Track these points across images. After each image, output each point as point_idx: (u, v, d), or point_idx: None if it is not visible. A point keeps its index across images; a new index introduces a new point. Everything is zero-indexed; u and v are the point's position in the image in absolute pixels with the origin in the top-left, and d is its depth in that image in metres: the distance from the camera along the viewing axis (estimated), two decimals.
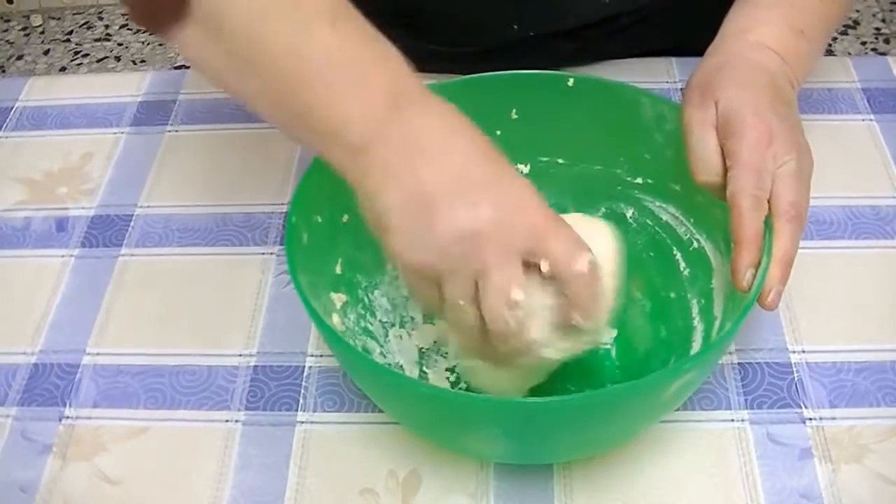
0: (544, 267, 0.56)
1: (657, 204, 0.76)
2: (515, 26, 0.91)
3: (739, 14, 0.73)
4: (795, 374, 0.72)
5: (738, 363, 0.73)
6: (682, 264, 0.75)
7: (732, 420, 0.70)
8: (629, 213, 0.78)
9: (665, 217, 0.76)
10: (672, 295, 0.74)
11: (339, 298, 0.70)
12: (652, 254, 0.76)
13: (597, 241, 0.61)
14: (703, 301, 0.72)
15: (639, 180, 0.77)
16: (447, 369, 0.72)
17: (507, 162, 0.58)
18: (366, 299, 0.74)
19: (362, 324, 0.72)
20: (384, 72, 0.58)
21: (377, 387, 0.64)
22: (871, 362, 0.72)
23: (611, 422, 0.62)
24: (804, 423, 0.69)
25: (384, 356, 0.72)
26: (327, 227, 0.70)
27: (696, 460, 0.68)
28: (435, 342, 0.71)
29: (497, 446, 0.65)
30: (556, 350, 0.60)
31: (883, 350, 0.73)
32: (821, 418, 0.69)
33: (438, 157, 0.56)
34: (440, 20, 0.92)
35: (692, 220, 0.74)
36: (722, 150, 0.65)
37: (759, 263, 0.62)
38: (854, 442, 0.68)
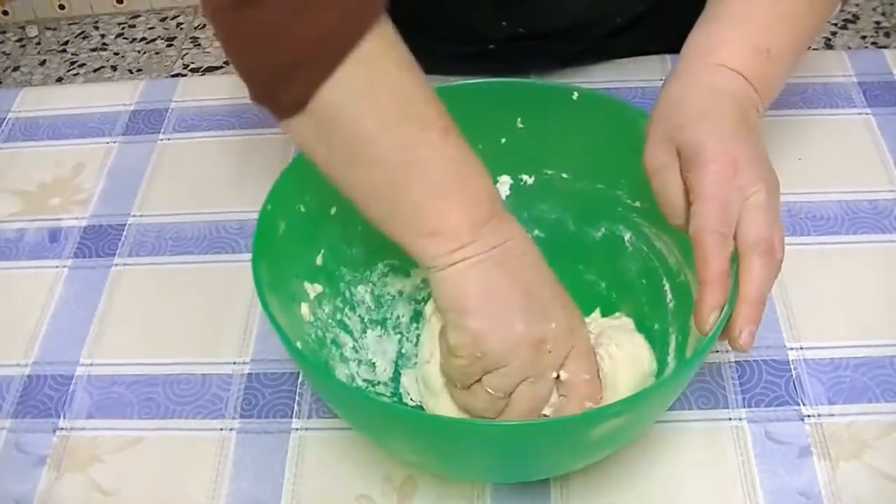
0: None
1: (653, 230, 0.73)
2: (504, 23, 0.91)
3: (702, 33, 0.69)
4: (793, 372, 0.71)
5: (736, 361, 0.72)
6: (669, 296, 0.71)
7: (730, 419, 0.69)
8: (627, 237, 0.75)
9: (659, 245, 0.73)
10: (656, 327, 0.71)
11: (313, 289, 0.70)
12: (644, 281, 0.74)
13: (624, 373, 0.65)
14: (680, 338, 0.69)
15: (638, 204, 0.73)
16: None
17: (560, 283, 0.65)
18: (347, 293, 0.73)
19: (338, 316, 0.72)
20: (484, 184, 0.62)
21: (328, 393, 0.64)
22: (870, 357, 0.72)
23: (535, 455, 0.61)
24: (802, 420, 0.69)
25: (357, 351, 0.72)
26: (311, 217, 0.70)
27: (694, 460, 0.67)
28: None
29: (449, 464, 0.65)
30: None
31: (881, 345, 0.73)
32: (819, 415, 0.69)
33: (522, 267, 0.61)
34: (433, 18, 0.92)
35: (681, 253, 0.71)
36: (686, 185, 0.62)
37: (724, 305, 0.58)
38: (853, 439, 0.67)
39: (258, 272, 0.62)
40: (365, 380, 0.71)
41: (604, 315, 0.72)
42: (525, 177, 0.78)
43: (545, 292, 0.62)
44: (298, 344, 0.64)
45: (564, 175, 0.77)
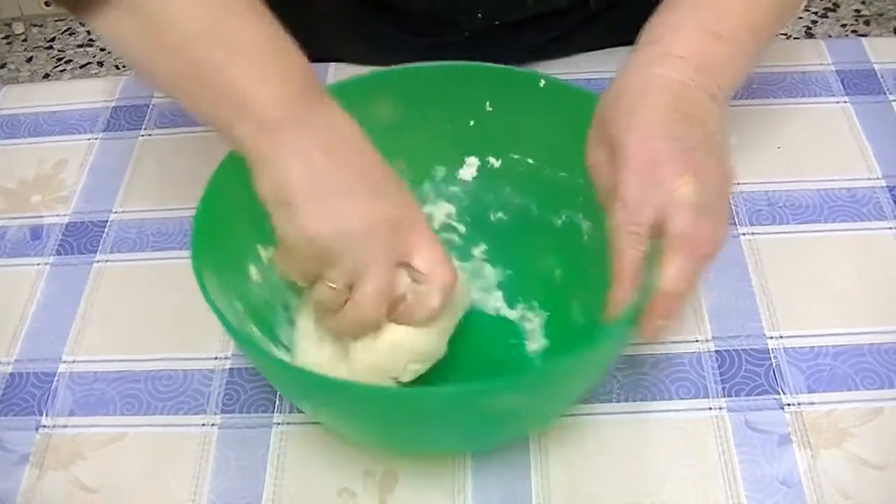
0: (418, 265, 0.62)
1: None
2: (480, 14, 0.90)
3: (652, 25, 0.68)
4: (773, 360, 0.72)
5: (716, 351, 0.72)
6: None
7: (710, 408, 0.69)
8: (585, 226, 0.75)
9: None
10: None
11: (266, 252, 0.71)
12: (598, 271, 0.71)
13: None
14: None
15: None
16: None
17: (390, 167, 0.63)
18: None
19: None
20: (298, 59, 0.61)
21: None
22: (849, 345, 0.72)
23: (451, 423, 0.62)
24: (782, 409, 0.69)
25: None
26: None
27: (675, 450, 0.67)
28: None
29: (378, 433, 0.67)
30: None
31: (860, 333, 0.73)
32: (799, 404, 0.69)
33: (350, 149, 0.60)
34: (407, 9, 0.92)
35: None
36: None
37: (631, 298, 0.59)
38: (833, 426, 0.68)
39: (198, 237, 0.63)
40: None
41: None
42: (492, 159, 0.78)
43: (377, 174, 0.61)
44: (240, 304, 0.66)
45: (530, 160, 0.77)
